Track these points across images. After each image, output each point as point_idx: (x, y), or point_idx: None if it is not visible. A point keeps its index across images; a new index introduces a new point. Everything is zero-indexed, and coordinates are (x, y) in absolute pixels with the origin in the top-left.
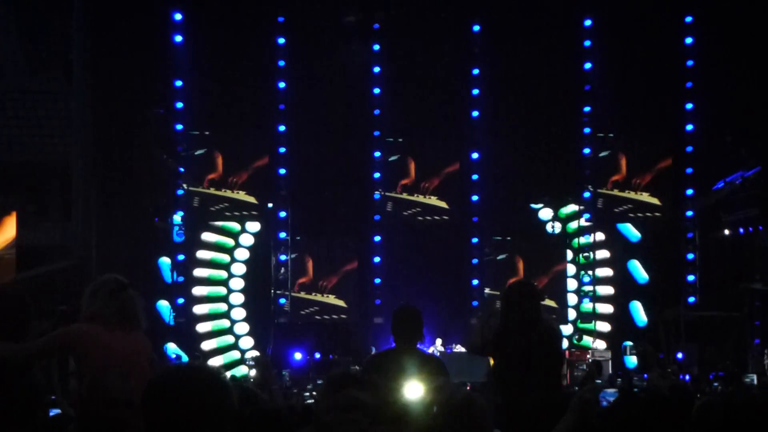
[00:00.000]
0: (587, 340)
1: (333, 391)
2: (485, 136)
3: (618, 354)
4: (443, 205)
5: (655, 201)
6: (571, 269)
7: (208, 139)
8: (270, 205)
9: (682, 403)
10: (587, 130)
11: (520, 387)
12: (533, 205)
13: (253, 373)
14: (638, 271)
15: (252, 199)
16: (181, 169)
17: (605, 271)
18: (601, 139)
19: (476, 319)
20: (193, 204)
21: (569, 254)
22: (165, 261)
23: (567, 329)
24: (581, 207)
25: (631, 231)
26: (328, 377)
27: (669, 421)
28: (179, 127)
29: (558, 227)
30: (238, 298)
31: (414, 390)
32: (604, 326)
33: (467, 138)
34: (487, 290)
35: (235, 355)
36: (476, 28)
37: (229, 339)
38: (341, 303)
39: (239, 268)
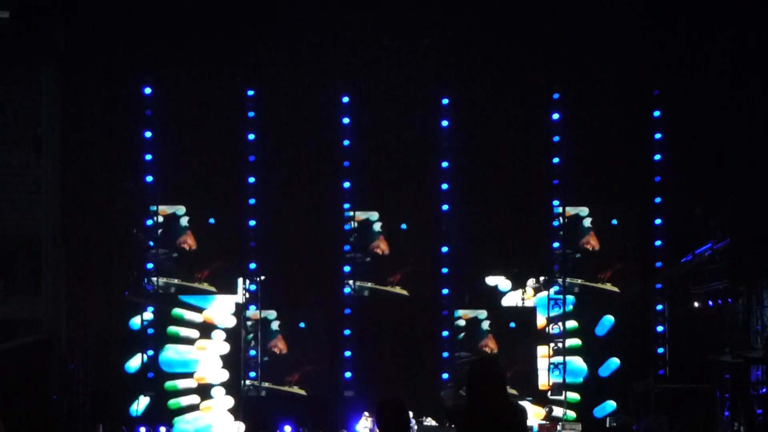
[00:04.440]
0: (558, 411)
1: None
2: (453, 208)
3: (588, 421)
4: (405, 293)
5: (616, 289)
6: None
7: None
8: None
9: None
10: (556, 203)
11: None
12: (494, 278)
13: None
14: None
15: (213, 289)
16: (151, 243)
17: (573, 341)
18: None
19: (450, 385)
20: (171, 290)
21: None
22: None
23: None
24: (551, 279)
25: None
26: None
27: None
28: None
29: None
30: (208, 375)
31: None
32: (573, 396)
33: (436, 211)
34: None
35: None
36: (445, 101)
37: (198, 415)
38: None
39: (210, 346)
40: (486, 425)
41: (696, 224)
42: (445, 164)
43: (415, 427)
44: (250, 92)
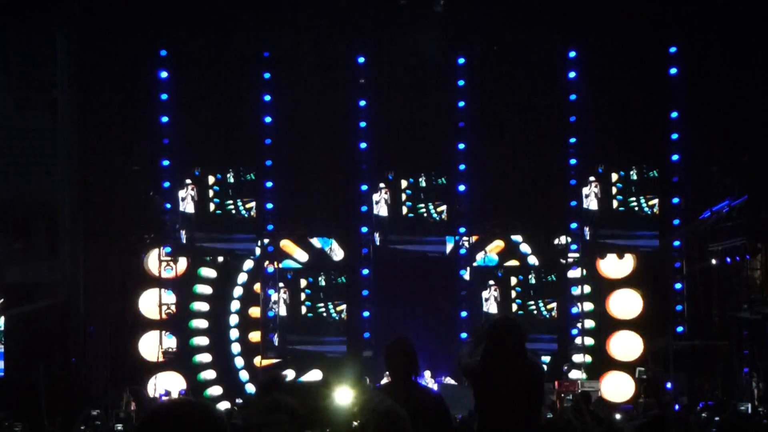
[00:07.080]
0: (576, 372)
1: (262, 395)
2: (470, 168)
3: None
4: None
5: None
6: None
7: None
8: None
9: None
10: (573, 161)
11: (500, 422)
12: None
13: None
14: None
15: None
16: (168, 205)
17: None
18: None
19: (471, 338)
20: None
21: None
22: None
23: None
24: (568, 239)
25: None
26: (259, 383)
27: None
28: (165, 162)
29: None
30: (227, 334)
31: (343, 396)
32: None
33: (453, 172)
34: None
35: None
36: (461, 61)
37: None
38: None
39: (229, 305)
40: (500, 385)
41: (713, 181)
42: (461, 124)
43: (428, 382)
44: (266, 53)
